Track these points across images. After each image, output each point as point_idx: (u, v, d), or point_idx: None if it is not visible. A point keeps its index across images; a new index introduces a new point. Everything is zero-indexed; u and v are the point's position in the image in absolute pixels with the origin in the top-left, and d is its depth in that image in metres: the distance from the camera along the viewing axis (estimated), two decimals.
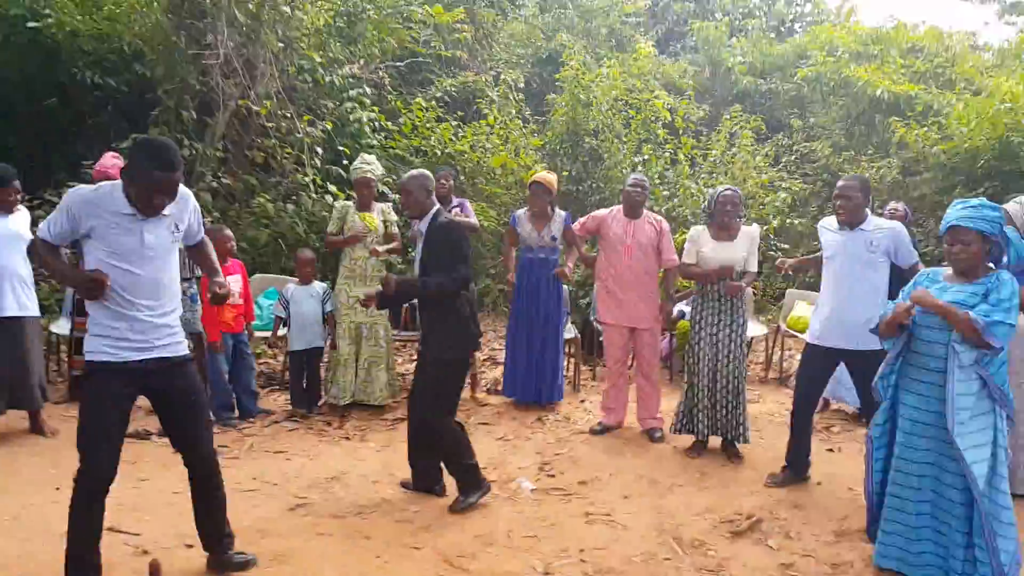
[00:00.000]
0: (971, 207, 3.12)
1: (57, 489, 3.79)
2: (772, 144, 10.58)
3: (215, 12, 7.32)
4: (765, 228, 8.59)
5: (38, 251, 2.93)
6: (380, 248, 5.42)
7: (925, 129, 9.22)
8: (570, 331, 6.32)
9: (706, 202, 4.80)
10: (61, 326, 5.66)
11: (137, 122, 7.90)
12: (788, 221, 9.33)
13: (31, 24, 7.54)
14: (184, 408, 2.95)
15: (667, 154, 9.38)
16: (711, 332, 4.63)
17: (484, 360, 7.04)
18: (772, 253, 9.07)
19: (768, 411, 5.79)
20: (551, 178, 5.67)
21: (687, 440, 4.83)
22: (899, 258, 4.06)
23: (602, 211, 5.42)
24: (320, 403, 5.57)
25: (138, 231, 2.75)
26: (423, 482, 4.09)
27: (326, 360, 5.74)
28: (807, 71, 11.23)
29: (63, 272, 3.01)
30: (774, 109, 12.18)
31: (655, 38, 13.74)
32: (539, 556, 3.40)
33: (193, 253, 3.25)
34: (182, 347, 2.95)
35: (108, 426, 2.77)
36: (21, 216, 4.64)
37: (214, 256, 3.27)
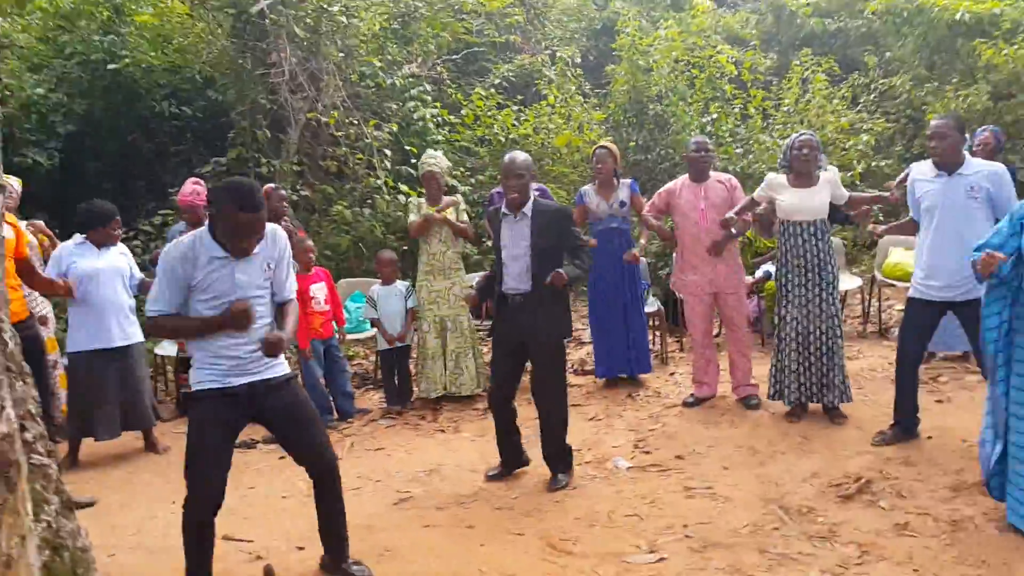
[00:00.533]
0: None
1: (174, 503, 3.99)
2: (848, 85, 10.05)
3: (276, 31, 7.55)
4: (851, 174, 8.21)
5: (156, 329, 2.94)
6: (442, 215, 5.49)
7: (1015, 48, 8.56)
8: (652, 304, 6.24)
9: (782, 152, 4.61)
10: (165, 348, 5.99)
11: (215, 146, 8.27)
12: (873, 164, 8.88)
13: (111, 66, 7.98)
14: (298, 422, 3.01)
15: (737, 110, 9.07)
16: (800, 292, 4.45)
17: (568, 341, 7.02)
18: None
19: (870, 366, 5.56)
20: (611, 144, 5.65)
21: (784, 406, 4.68)
22: (998, 203, 3.75)
23: (668, 184, 5.29)
24: (413, 398, 5.72)
25: (231, 273, 2.83)
26: (514, 462, 4.14)
27: (414, 356, 5.88)
28: (877, 4, 10.58)
29: (203, 325, 2.84)
30: (846, 48, 11.56)
31: None
32: (643, 534, 3.39)
33: (277, 313, 3.10)
34: (283, 367, 3.01)
35: (214, 452, 2.83)
36: (120, 250, 4.94)
37: (291, 319, 3.09)
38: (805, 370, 4.48)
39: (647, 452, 4.39)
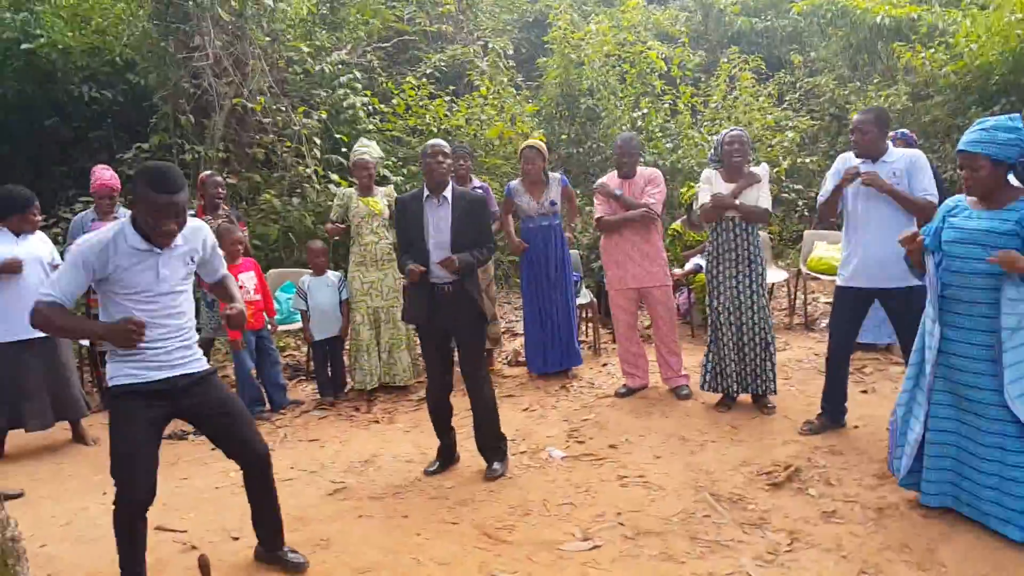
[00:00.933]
0: (981, 130, 2.99)
1: (104, 494, 3.88)
2: (774, 83, 10.39)
3: (199, 13, 7.28)
4: (776, 170, 8.47)
5: (44, 322, 2.71)
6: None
7: (932, 51, 8.98)
8: (585, 296, 6.30)
9: (713, 148, 4.70)
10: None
11: (136, 132, 7.94)
12: (799, 160, 9.19)
13: (25, 46, 7.56)
14: (225, 416, 2.95)
15: (666, 105, 9.25)
16: (731, 284, 4.55)
17: (502, 333, 7.04)
18: (785, 195, 8.96)
19: (796, 357, 5.74)
20: (540, 143, 5.62)
21: (714, 396, 4.80)
22: (913, 186, 3.90)
23: (603, 178, 5.26)
24: (346, 389, 5.63)
25: (153, 266, 2.75)
26: (450, 456, 4.15)
27: (347, 347, 5.78)
28: (802, 5, 10.96)
29: (88, 328, 2.90)
30: (772, 47, 11.94)
31: None
32: (576, 522, 3.42)
33: (216, 289, 3.19)
34: (203, 363, 2.95)
35: (140, 449, 2.74)
36: (37, 237, 4.71)
37: (234, 289, 3.18)
38: (741, 361, 4.58)
39: (580, 442, 4.43)
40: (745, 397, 4.74)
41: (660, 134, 8.87)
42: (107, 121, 8.41)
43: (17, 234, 4.57)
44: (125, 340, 2.66)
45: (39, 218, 4.70)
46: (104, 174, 5.30)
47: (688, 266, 6.54)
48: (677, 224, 6.93)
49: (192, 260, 2.89)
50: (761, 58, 10.44)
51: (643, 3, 11.52)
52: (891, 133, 5.57)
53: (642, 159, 5.31)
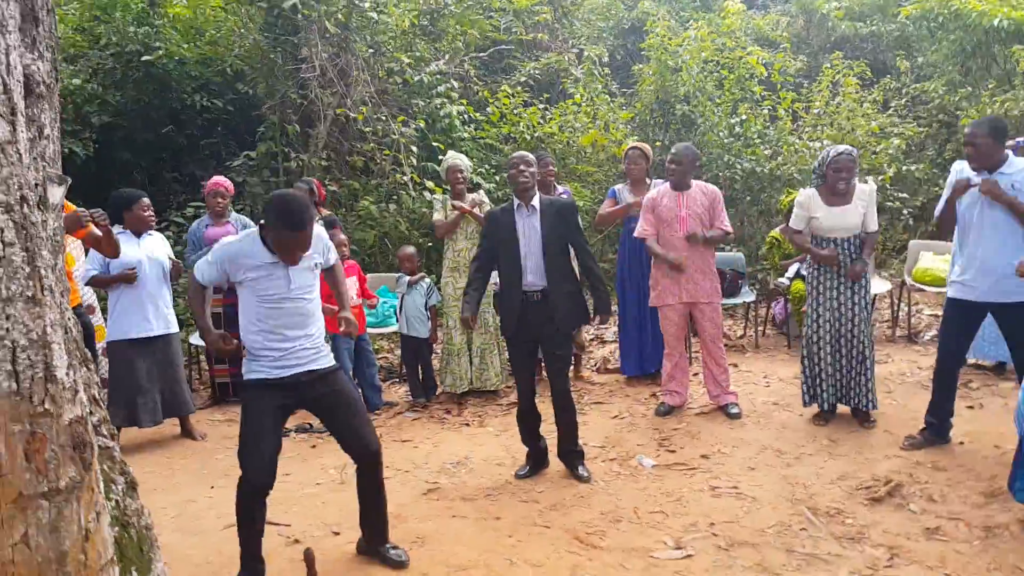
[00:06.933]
0: None
1: (211, 488, 4.11)
2: (879, 89, 9.97)
3: (307, 26, 7.62)
4: (881, 178, 8.14)
5: (191, 294, 3.24)
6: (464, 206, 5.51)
7: None
8: None
9: (817, 163, 4.52)
10: (198, 338, 6.05)
11: (244, 140, 8.36)
12: (904, 168, 8.80)
13: (145, 58, 8.09)
14: (342, 409, 3.12)
15: (766, 111, 9.02)
16: (831, 296, 4.41)
17: (591, 340, 7.04)
18: (890, 204, 8.60)
19: (899, 371, 5.51)
20: (644, 145, 5.67)
21: (811, 409, 4.65)
22: None
23: (650, 193, 5.06)
24: (437, 392, 5.75)
25: (284, 275, 2.98)
26: (541, 461, 4.18)
27: (437, 352, 5.91)
28: (911, 8, 10.49)
29: (201, 322, 3.21)
30: (877, 52, 11.46)
31: None
32: (668, 531, 3.39)
33: (328, 278, 3.42)
34: (328, 359, 3.15)
35: (263, 437, 2.96)
36: (156, 239, 4.97)
37: (344, 287, 3.45)
38: (837, 372, 4.46)
39: (671, 451, 4.38)
40: (844, 410, 4.58)
41: (759, 140, 8.66)
42: (217, 129, 8.90)
43: (137, 235, 4.81)
44: (215, 348, 3.21)
45: (152, 215, 4.92)
46: (217, 177, 5.63)
47: (789, 273, 6.37)
48: (776, 232, 6.75)
49: (317, 265, 3.13)
50: (866, 63, 10.04)
51: (743, 8, 11.30)
52: (1011, 141, 5.29)
53: (699, 174, 5.09)
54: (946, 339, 4.05)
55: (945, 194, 4.02)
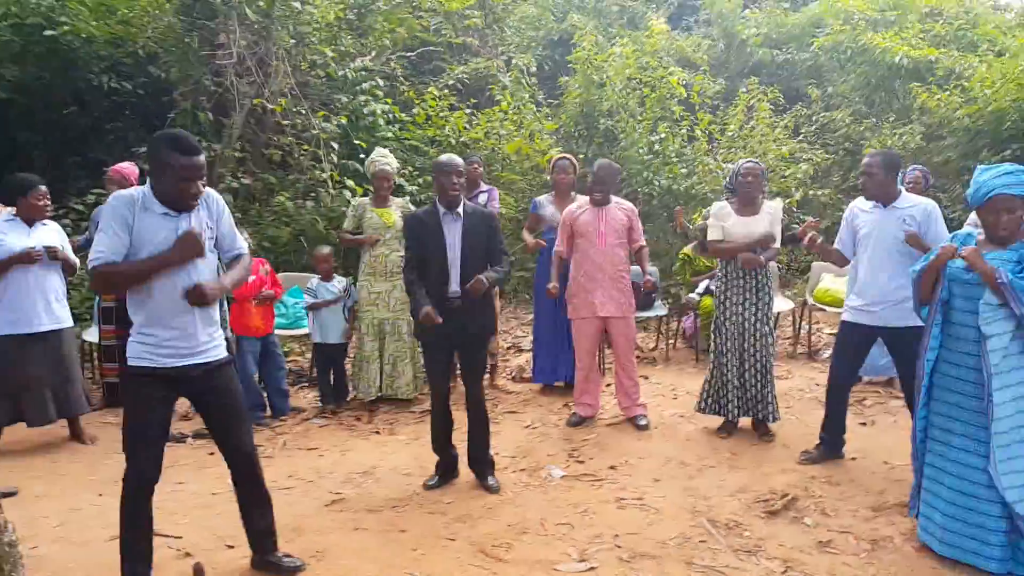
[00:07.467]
0: (1009, 174, 3.02)
1: (100, 495, 3.88)
2: (791, 115, 10.44)
3: (226, 11, 7.34)
4: (788, 201, 8.49)
5: (105, 281, 2.82)
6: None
7: (947, 93, 9.05)
8: None
9: (727, 177, 4.72)
10: (92, 334, 5.74)
11: (154, 126, 7.97)
12: (811, 192, 9.22)
13: (48, 32, 7.60)
14: (224, 408, 2.98)
15: (684, 131, 9.28)
16: (737, 311, 4.58)
17: (507, 348, 7.05)
18: (795, 226, 8.97)
19: (798, 386, 5.75)
20: (572, 157, 5.72)
21: (715, 421, 4.81)
22: (928, 236, 3.89)
23: (571, 206, 5.14)
24: (348, 398, 5.62)
25: (173, 229, 2.77)
26: (450, 471, 4.14)
27: (351, 356, 5.78)
28: (823, 40, 11.03)
29: (153, 263, 2.72)
30: (791, 80, 11.99)
31: (667, 13, 13.56)
32: (573, 543, 3.41)
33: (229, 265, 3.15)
34: (221, 350, 2.97)
35: (149, 430, 2.83)
36: (51, 228, 4.65)
37: (236, 273, 3.06)
38: (742, 387, 4.61)
39: (580, 461, 4.43)
40: (746, 423, 4.75)
41: (676, 159, 8.90)
42: (125, 113, 8.46)
43: (30, 224, 4.51)
44: (194, 248, 2.74)
45: (47, 204, 4.61)
46: (122, 163, 5.35)
47: (699, 289, 6.56)
48: (688, 249, 6.95)
49: (209, 227, 2.89)
50: (779, 90, 10.49)
51: (667, 29, 11.58)
52: (912, 168, 5.63)
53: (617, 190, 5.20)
54: (839, 360, 4.25)
55: (843, 233, 4.21)
